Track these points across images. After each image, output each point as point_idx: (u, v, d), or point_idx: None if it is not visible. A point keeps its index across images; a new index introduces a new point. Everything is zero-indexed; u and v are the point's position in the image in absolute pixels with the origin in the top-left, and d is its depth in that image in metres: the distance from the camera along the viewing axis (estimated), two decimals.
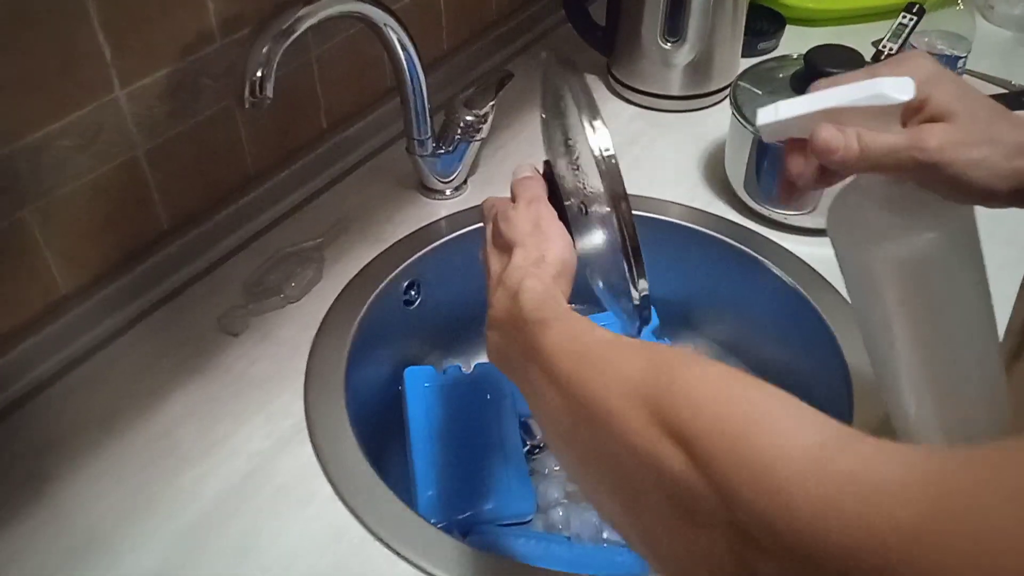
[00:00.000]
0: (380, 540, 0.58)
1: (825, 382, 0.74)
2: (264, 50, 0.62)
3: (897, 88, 0.47)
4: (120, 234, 0.74)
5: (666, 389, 0.35)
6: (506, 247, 0.53)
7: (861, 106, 0.47)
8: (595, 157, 0.48)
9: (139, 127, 0.71)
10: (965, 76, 1.00)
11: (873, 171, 0.49)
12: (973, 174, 0.46)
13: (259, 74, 0.61)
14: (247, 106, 0.61)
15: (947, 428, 0.58)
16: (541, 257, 0.50)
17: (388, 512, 0.60)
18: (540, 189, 0.57)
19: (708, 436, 0.32)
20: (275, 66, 0.62)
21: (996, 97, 0.91)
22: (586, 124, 0.48)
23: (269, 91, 0.62)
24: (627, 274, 0.49)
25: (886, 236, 0.51)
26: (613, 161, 0.48)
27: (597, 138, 0.48)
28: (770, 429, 0.31)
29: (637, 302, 0.50)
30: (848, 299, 0.61)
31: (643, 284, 0.49)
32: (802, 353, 0.79)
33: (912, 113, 0.48)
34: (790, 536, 0.27)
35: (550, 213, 0.54)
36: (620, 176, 0.48)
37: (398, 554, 0.57)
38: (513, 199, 0.57)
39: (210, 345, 0.73)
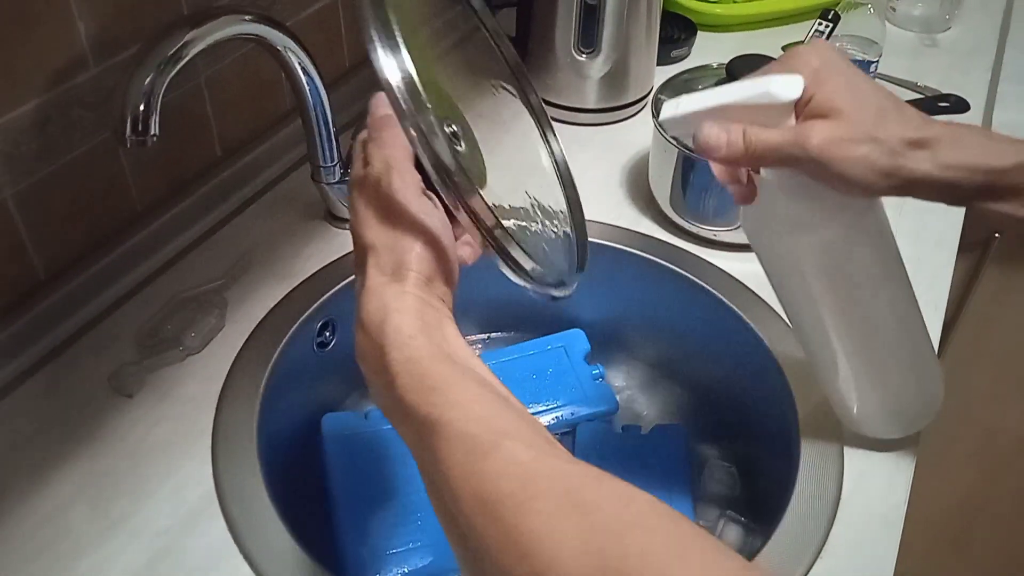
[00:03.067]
0: None
1: (763, 394, 0.72)
2: (147, 80, 0.54)
3: (784, 87, 0.47)
4: None
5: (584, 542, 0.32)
6: (359, 248, 0.42)
7: (752, 104, 0.48)
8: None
9: (6, 167, 0.63)
10: (878, 80, 1.00)
11: (763, 166, 0.51)
12: (852, 171, 0.47)
13: (141, 108, 0.54)
14: (128, 145, 0.54)
15: (885, 408, 0.61)
16: (400, 264, 0.40)
17: None
18: (400, 148, 0.43)
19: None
20: (160, 99, 0.55)
21: (913, 103, 0.90)
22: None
23: (154, 127, 0.54)
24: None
25: (794, 226, 0.53)
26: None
27: None
28: None
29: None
30: (779, 306, 0.62)
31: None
32: (738, 367, 0.76)
33: (803, 107, 0.48)
34: None
35: (405, 189, 0.41)
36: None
37: None
38: (365, 159, 0.44)
39: (101, 409, 0.65)
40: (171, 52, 0.57)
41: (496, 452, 0.34)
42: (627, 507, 0.33)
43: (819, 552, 0.57)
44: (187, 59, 0.57)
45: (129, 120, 0.53)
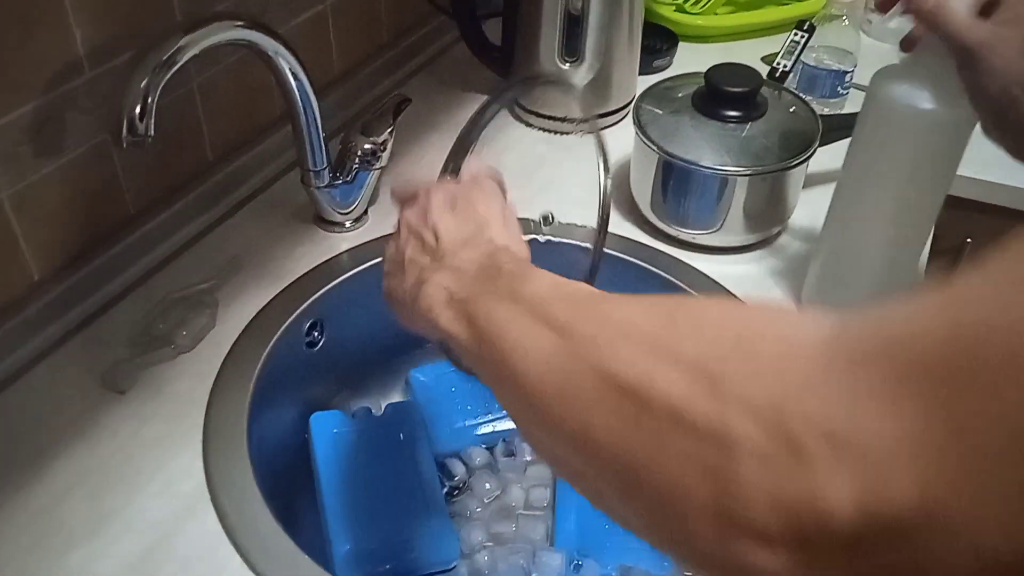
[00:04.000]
0: None
1: None
2: (142, 84, 0.56)
3: None
4: None
5: (666, 320, 0.32)
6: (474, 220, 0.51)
7: None
8: None
9: (3, 168, 0.64)
10: (852, 90, 1.03)
11: (935, 31, 0.55)
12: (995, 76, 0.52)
13: (137, 110, 0.56)
14: (125, 145, 0.56)
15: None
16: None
17: None
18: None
19: (733, 374, 0.28)
20: (156, 101, 0.57)
21: None
22: None
23: (150, 128, 0.56)
24: None
25: (924, 93, 0.60)
26: None
27: None
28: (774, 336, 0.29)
29: None
30: None
31: None
32: None
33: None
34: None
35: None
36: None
37: None
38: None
39: (94, 405, 0.66)
40: (166, 56, 0.58)
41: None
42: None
43: None
44: (181, 63, 0.59)
45: (126, 121, 0.55)
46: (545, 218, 0.80)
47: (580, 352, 0.33)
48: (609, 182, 0.63)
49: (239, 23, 0.66)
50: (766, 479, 0.25)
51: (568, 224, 0.85)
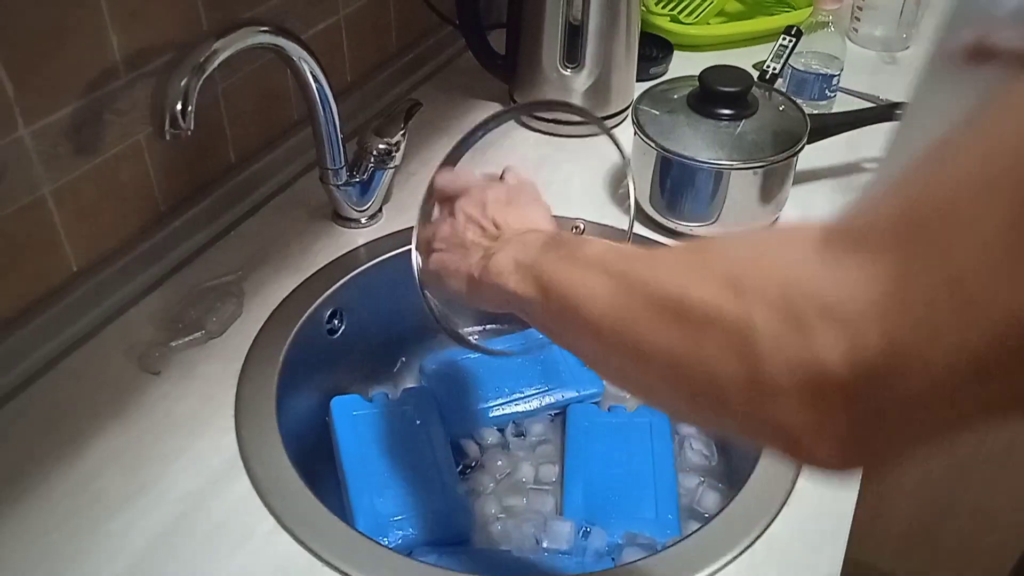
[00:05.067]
0: (329, 565, 0.58)
1: None
2: (183, 83, 0.61)
3: None
4: (27, 277, 0.71)
5: (697, 250, 0.39)
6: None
7: None
8: None
9: (45, 166, 0.69)
10: (838, 93, 1.08)
11: None
12: None
13: (179, 107, 0.61)
14: (167, 137, 0.61)
15: None
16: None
17: (335, 538, 0.59)
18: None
19: (749, 276, 0.34)
20: (195, 98, 0.62)
21: (865, 110, 0.99)
22: None
23: (190, 123, 0.61)
24: None
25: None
26: None
27: None
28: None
29: None
30: None
31: None
32: None
33: None
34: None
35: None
36: None
37: None
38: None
39: (130, 386, 0.71)
40: (202, 59, 0.63)
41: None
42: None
43: (786, 499, 0.63)
44: (215, 64, 0.64)
45: (168, 116, 0.60)
46: (576, 227, 0.86)
47: (633, 287, 0.41)
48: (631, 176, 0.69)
49: (265, 28, 0.71)
50: (781, 351, 0.31)
51: (574, 218, 0.90)
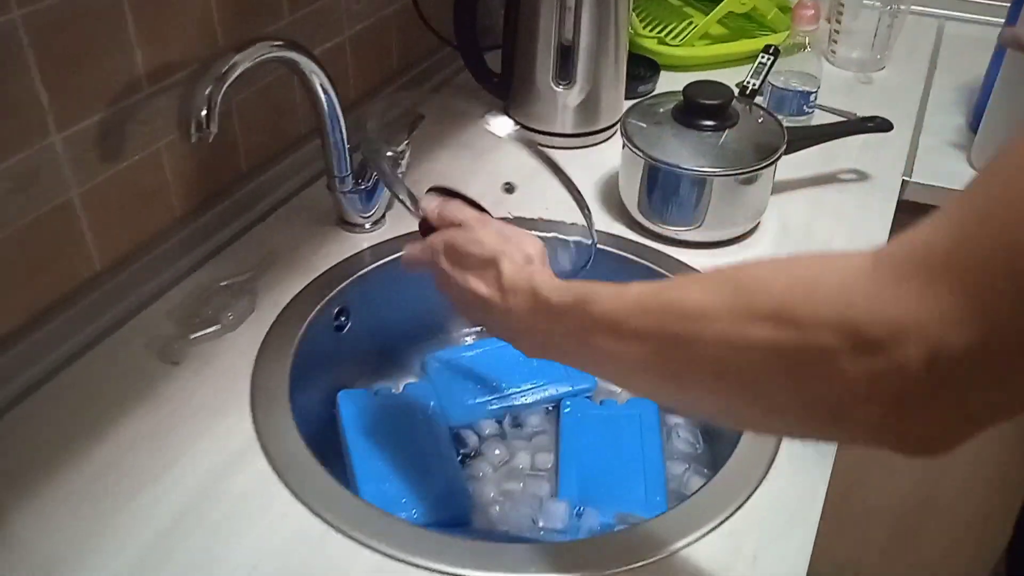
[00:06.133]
0: (341, 532, 0.62)
1: None
2: (207, 91, 0.67)
3: None
4: (56, 275, 0.76)
5: (734, 293, 0.42)
6: (485, 264, 0.59)
7: None
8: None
9: (73, 170, 0.74)
10: (816, 109, 1.14)
11: None
12: None
13: (203, 112, 0.66)
14: (193, 140, 0.66)
15: None
16: (528, 257, 0.58)
17: (348, 508, 0.64)
18: (468, 208, 0.65)
19: (801, 307, 0.38)
20: (218, 105, 0.67)
21: (839, 124, 1.05)
22: None
23: (214, 127, 0.67)
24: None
25: None
26: None
27: None
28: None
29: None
30: None
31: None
32: None
33: None
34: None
35: (502, 221, 0.62)
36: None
37: (362, 544, 0.61)
38: (449, 225, 0.64)
39: (151, 376, 0.75)
40: (224, 70, 0.69)
41: (628, 290, 0.49)
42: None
43: (765, 475, 0.68)
44: (236, 75, 0.70)
45: (194, 121, 0.66)
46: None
47: (673, 353, 0.44)
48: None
49: (280, 43, 0.76)
50: (859, 367, 0.36)
51: (567, 223, 0.95)
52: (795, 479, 0.68)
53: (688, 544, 0.63)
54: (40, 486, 0.66)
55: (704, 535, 0.63)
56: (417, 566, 0.60)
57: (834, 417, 0.39)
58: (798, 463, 0.69)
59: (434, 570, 0.60)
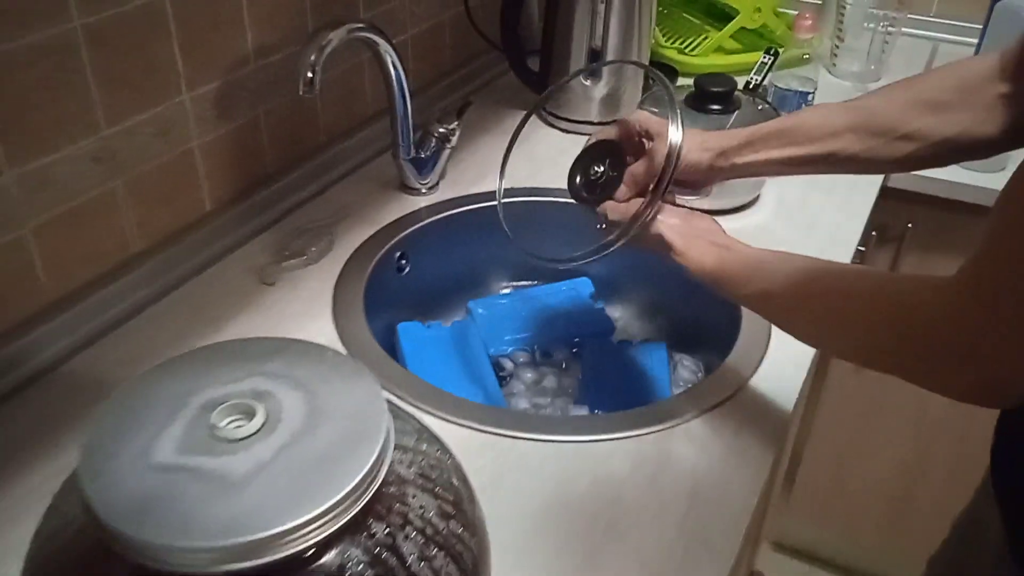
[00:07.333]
0: (404, 401, 0.78)
1: (720, 319, 0.98)
2: (311, 58, 0.85)
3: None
4: (175, 211, 0.93)
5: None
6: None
7: None
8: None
9: (196, 125, 0.92)
10: None
11: None
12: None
13: (310, 74, 0.84)
14: (303, 94, 0.84)
15: None
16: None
17: (414, 386, 0.80)
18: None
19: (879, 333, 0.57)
20: (320, 71, 0.85)
21: None
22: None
23: (317, 86, 0.85)
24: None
25: None
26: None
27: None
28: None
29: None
30: None
31: None
32: (703, 306, 1.03)
33: None
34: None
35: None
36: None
37: (428, 413, 0.78)
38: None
39: (252, 292, 0.92)
40: (323, 42, 0.87)
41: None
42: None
43: (754, 371, 0.83)
44: (331, 47, 0.88)
45: (302, 80, 0.84)
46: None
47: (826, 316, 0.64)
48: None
49: (362, 25, 0.94)
50: (958, 382, 0.51)
51: None
52: (781, 375, 0.83)
53: (685, 421, 0.78)
54: None
55: (707, 410, 0.78)
56: (469, 427, 0.76)
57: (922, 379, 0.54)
58: (779, 366, 0.84)
59: (486, 431, 0.76)
